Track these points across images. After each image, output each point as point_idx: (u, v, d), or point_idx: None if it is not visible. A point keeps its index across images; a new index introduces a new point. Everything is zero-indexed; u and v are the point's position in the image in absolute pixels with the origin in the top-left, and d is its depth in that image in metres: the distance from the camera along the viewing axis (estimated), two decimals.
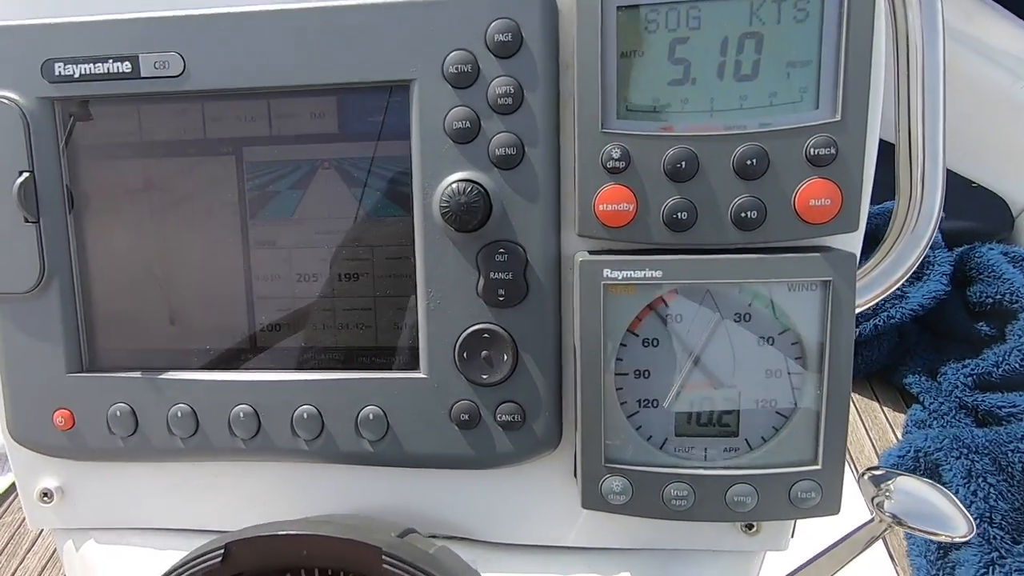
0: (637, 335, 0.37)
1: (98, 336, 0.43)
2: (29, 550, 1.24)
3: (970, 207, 1.48)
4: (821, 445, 0.36)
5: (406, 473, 0.43)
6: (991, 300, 1.26)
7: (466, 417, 0.40)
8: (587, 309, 0.36)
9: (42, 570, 1.19)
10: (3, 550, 1.23)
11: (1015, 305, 1.22)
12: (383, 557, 0.30)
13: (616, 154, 0.35)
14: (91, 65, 0.40)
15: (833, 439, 0.35)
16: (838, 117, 0.33)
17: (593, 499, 0.38)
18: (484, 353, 0.39)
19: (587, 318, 0.36)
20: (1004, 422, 1.15)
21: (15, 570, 1.20)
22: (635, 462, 0.37)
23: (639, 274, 0.35)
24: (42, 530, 1.25)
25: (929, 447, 1.06)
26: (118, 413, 0.42)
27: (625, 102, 0.35)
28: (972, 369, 1.22)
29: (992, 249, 1.30)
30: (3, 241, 0.41)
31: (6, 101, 0.40)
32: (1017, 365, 1.17)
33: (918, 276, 1.31)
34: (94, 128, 0.42)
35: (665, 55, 0.34)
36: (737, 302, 0.36)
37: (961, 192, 1.50)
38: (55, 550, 1.24)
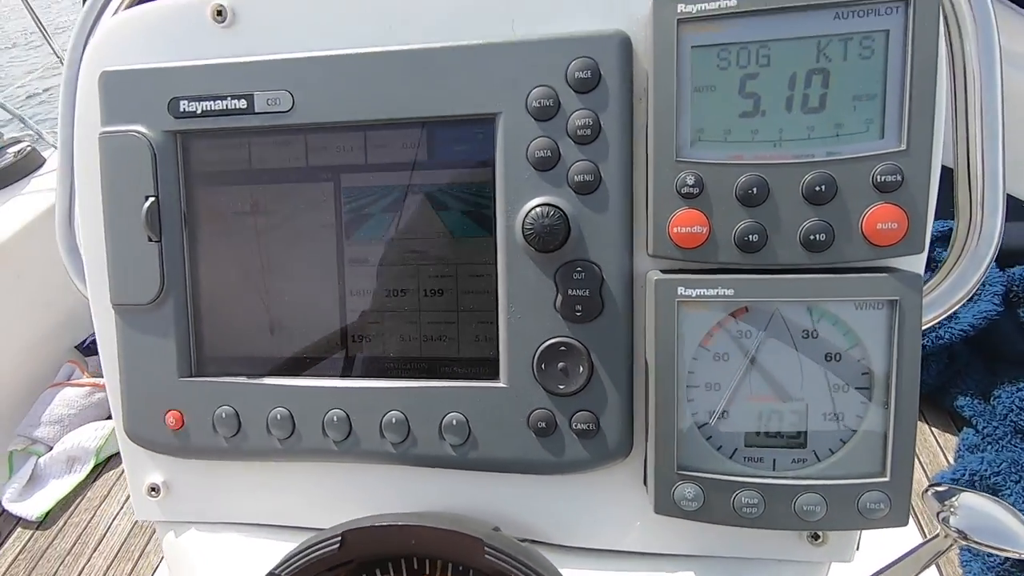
0: (708, 350, 0.39)
1: (206, 344, 0.48)
2: (95, 550, 1.30)
3: None
4: (889, 457, 0.37)
5: (482, 477, 0.46)
6: None
7: (543, 425, 0.43)
8: (662, 325, 0.39)
9: (107, 569, 1.25)
10: (71, 549, 1.30)
11: None
12: (485, 548, 0.32)
13: (690, 181, 0.37)
14: (212, 102, 0.45)
15: (901, 452, 0.37)
16: (903, 147, 0.35)
17: (666, 505, 0.40)
18: (561, 365, 0.42)
19: (662, 333, 0.39)
20: None
21: (82, 569, 1.26)
22: (706, 470, 0.39)
23: (711, 292, 0.38)
24: (106, 531, 1.32)
25: (986, 470, 1.04)
26: (223, 415, 0.47)
27: (698, 133, 0.38)
28: None
29: None
30: (129, 258, 0.46)
31: (136, 134, 0.46)
32: None
33: (969, 296, 1.28)
34: (209, 157, 0.46)
35: (736, 90, 0.37)
36: (805, 320, 0.38)
37: (1014, 211, 1.48)
38: (119, 550, 1.30)
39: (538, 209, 0.40)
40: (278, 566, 0.38)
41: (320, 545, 0.35)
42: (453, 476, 0.46)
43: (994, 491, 1.02)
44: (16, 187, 1.74)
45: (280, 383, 0.46)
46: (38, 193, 1.73)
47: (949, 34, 0.41)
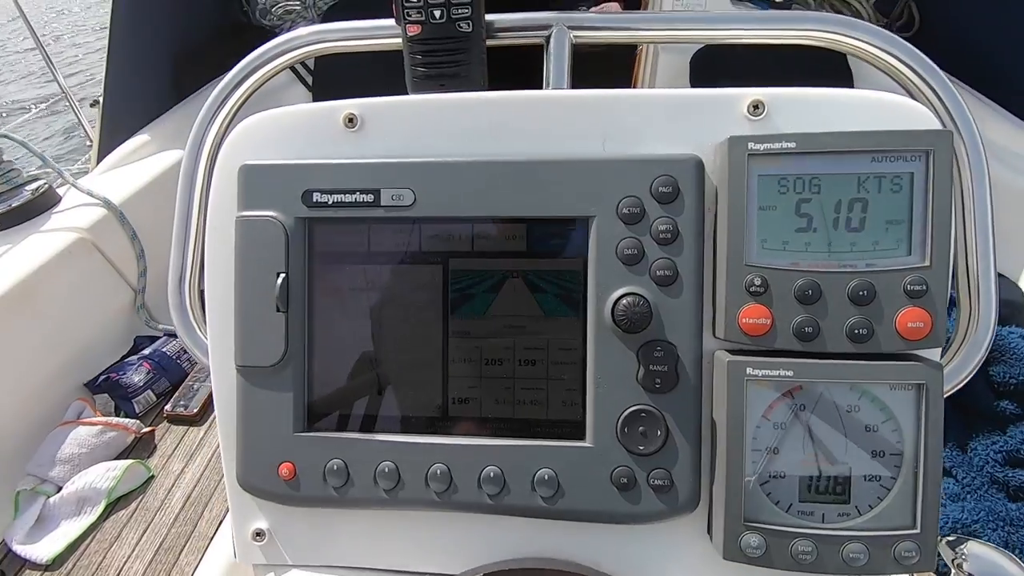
0: (769, 420, 0.47)
1: (320, 403, 0.54)
2: None
3: None
4: (919, 512, 0.45)
5: (566, 526, 0.52)
6: (1014, 381, 1.35)
7: (624, 481, 0.50)
8: (732, 398, 0.47)
9: None
10: None
11: None
12: None
13: (757, 282, 0.46)
14: (343, 195, 0.52)
15: (928, 508, 0.45)
16: (928, 263, 0.45)
17: (733, 551, 0.47)
18: (641, 428, 0.49)
19: (732, 405, 0.47)
20: None
21: None
22: (767, 522, 0.47)
23: (774, 373, 0.46)
24: (117, 575, 1.31)
25: (967, 519, 1.13)
26: (334, 467, 0.52)
27: (762, 242, 0.47)
28: (1001, 446, 1.30)
29: (1012, 333, 1.40)
30: (258, 325, 0.53)
31: (272, 219, 0.53)
32: None
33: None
34: (332, 240, 0.54)
35: (793, 210, 0.47)
36: (850, 397, 0.46)
37: None
38: None
39: (628, 298, 0.48)
40: None
41: None
42: (539, 525, 0.52)
43: (974, 538, 1.11)
44: (33, 224, 1.77)
45: (387, 439, 0.52)
46: (54, 232, 1.75)
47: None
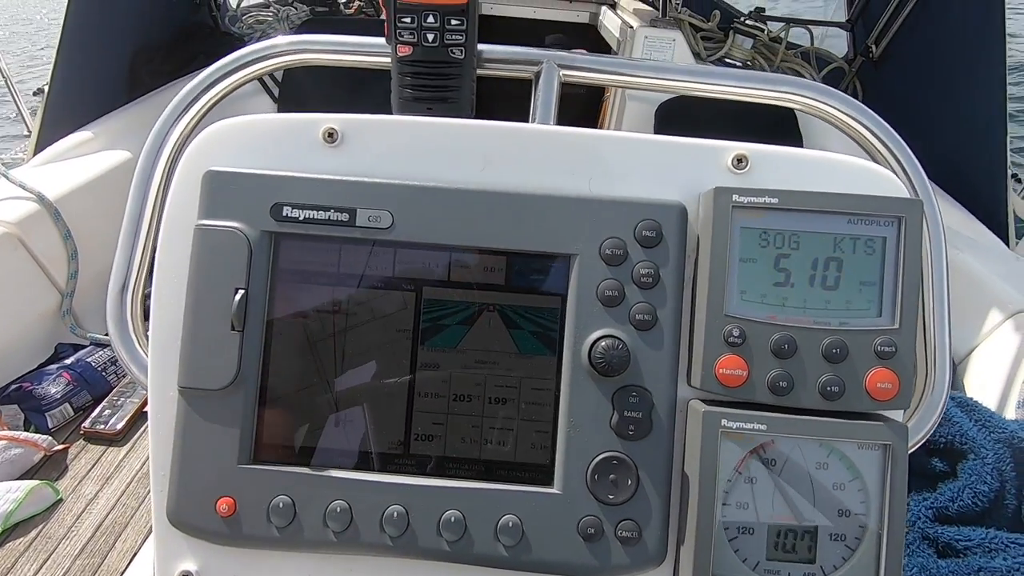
0: (741, 473, 0.46)
1: (269, 433, 0.50)
2: None
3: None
4: (882, 574, 0.45)
5: None
6: (943, 440, 1.42)
7: (592, 531, 0.47)
8: (706, 449, 0.46)
9: None
10: None
11: (964, 446, 1.38)
12: None
13: (736, 332, 0.46)
14: (315, 212, 0.49)
15: (892, 569, 0.45)
16: (897, 325, 0.46)
17: None
18: (612, 476, 0.48)
19: (705, 456, 0.46)
20: (961, 554, 1.27)
21: None
22: None
23: (748, 426, 0.46)
24: None
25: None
26: (280, 504, 0.48)
27: (742, 294, 0.47)
28: (932, 503, 1.36)
29: None
30: (209, 344, 0.49)
31: (236, 230, 0.49)
32: (969, 502, 1.31)
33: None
34: (299, 258, 0.51)
35: (772, 264, 0.47)
36: (820, 453, 0.46)
37: None
38: None
39: (607, 341, 0.47)
40: None
41: None
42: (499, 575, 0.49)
43: None
44: None
45: (341, 475, 0.49)
46: None
47: None
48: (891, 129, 0.56)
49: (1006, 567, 1.16)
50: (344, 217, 0.49)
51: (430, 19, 0.51)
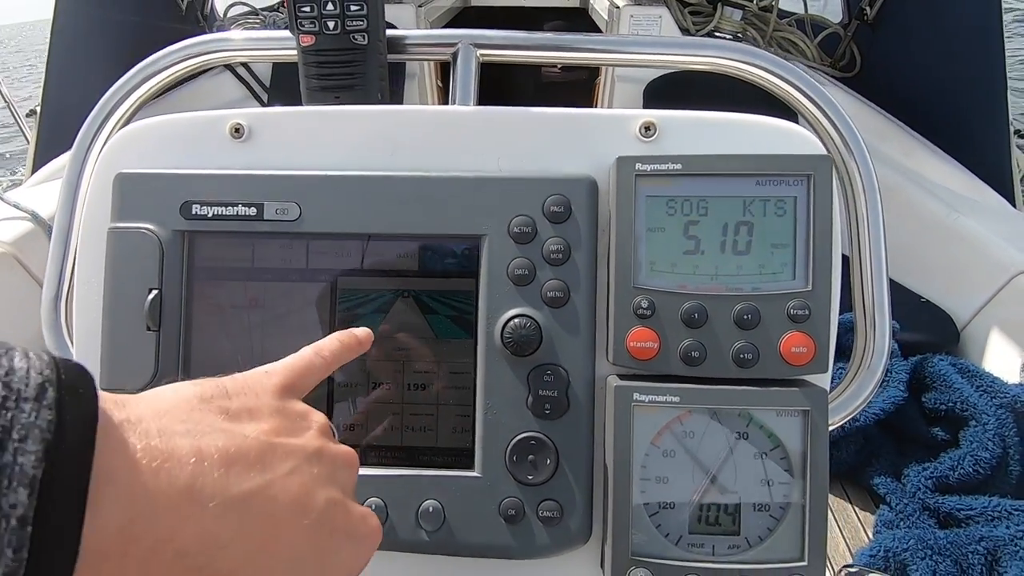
0: (658, 447, 0.45)
1: None
2: None
3: (922, 320, 1.64)
4: (807, 544, 0.44)
5: (451, 562, 0.49)
6: (944, 407, 1.38)
7: (513, 512, 0.47)
8: (619, 425, 0.45)
9: None
10: None
11: (965, 413, 1.35)
12: None
13: (644, 304, 0.45)
14: (223, 208, 0.49)
15: (816, 539, 0.44)
16: (810, 287, 0.44)
17: None
18: (530, 457, 0.47)
19: (619, 432, 0.45)
20: (963, 524, 1.24)
21: None
22: (657, 556, 0.45)
23: (661, 398, 0.45)
24: None
25: (897, 547, 1.14)
26: None
27: (651, 264, 0.46)
28: (932, 472, 1.32)
29: (943, 360, 1.44)
30: (125, 345, 0.49)
31: (147, 231, 0.49)
32: (971, 469, 1.28)
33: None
34: (213, 255, 0.51)
35: (681, 232, 0.46)
36: (738, 423, 0.45)
37: (914, 306, 1.67)
38: None
39: (517, 320, 0.47)
40: None
41: None
42: (423, 560, 0.49)
43: (903, 567, 1.12)
44: None
45: None
46: None
47: (846, 195, 0.52)
48: (816, 83, 0.54)
49: (1008, 535, 1.13)
50: (252, 212, 0.49)
51: (329, 6, 0.51)
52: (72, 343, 0.58)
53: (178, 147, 0.52)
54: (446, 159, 0.51)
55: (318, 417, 0.41)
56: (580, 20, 3.18)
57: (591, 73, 3.06)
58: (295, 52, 0.56)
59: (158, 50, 0.61)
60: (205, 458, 0.28)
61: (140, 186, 0.50)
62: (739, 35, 2.75)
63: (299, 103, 0.54)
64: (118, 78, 0.59)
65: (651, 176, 0.46)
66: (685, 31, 2.58)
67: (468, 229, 0.49)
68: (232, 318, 0.51)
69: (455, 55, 0.59)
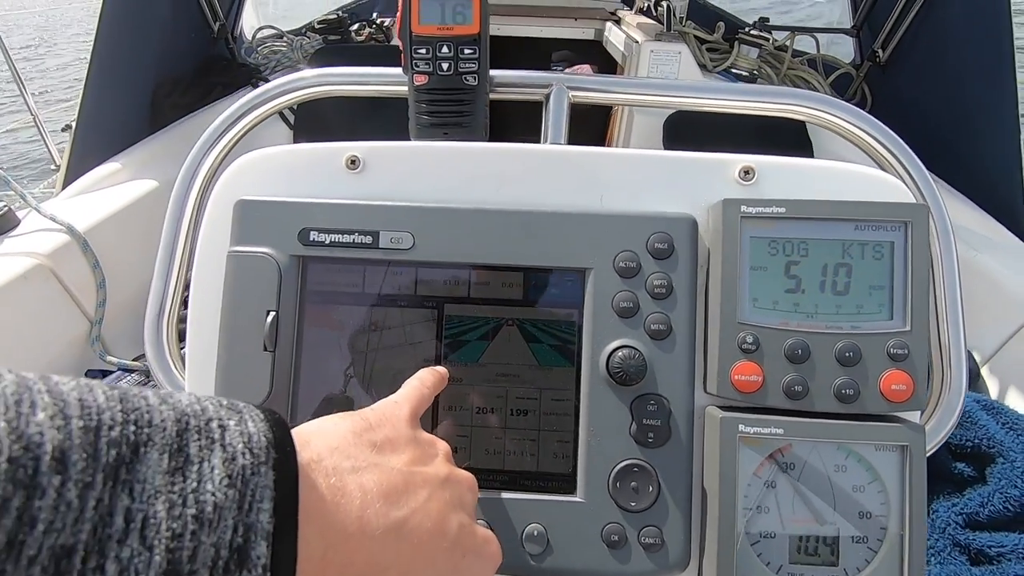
0: (760, 477, 0.47)
1: None
2: None
3: None
4: (907, 574, 0.45)
5: None
6: (970, 444, 1.40)
7: (615, 538, 0.49)
8: (725, 455, 0.47)
9: None
10: None
11: (992, 450, 1.36)
12: None
13: (749, 339, 0.47)
14: (340, 235, 0.52)
15: (916, 571, 0.45)
16: (908, 328, 0.47)
17: None
18: (633, 484, 0.49)
19: (724, 462, 0.47)
20: (995, 561, 1.24)
21: None
22: None
23: (766, 430, 0.47)
24: None
25: None
26: None
27: (754, 301, 0.48)
28: (961, 508, 1.33)
29: (968, 397, 1.46)
30: (243, 364, 0.51)
31: (265, 256, 0.52)
32: (1001, 507, 1.29)
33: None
34: (324, 279, 0.53)
35: (783, 271, 0.48)
36: (837, 456, 0.47)
37: None
38: None
39: (624, 351, 0.49)
40: None
41: None
42: None
43: None
44: None
45: None
46: (10, 256, 1.67)
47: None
48: (896, 136, 0.57)
49: None
50: (368, 240, 0.52)
51: (444, 49, 0.54)
52: (172, 360, 0.60)
53: (294, 176, 0.55)
54: (550, 195, 0.54)
55: (442, 445, 0.43)
56: (594, 53, 3.26)
57: (606, 106, 3.12)
58: (402, 88, 0.59)
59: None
60: (368, 492, 0.32)
61: (259, 212, 0.53)
62: (755, 72, 2.83)
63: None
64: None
65: (755, 218, 0.48)
66: (703, 67, 2.66)
67: (574, 263, 0.51)
68: (341, 341, 0.53)
69: (548, 96, 0.62)
